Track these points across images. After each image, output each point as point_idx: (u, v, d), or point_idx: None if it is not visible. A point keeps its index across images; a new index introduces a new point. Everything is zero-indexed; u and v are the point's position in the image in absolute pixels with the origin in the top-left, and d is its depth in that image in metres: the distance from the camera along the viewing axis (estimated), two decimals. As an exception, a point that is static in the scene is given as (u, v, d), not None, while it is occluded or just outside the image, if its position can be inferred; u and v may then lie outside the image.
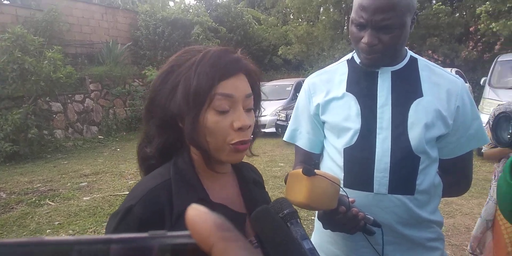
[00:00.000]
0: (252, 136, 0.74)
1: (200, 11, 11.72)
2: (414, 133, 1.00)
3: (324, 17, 13.08)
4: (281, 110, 8.29)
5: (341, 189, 0.90)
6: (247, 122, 0.69)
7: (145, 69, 9.97)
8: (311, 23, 13.93)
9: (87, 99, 8.87)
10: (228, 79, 0.68)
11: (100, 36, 10.32)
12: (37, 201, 4.21)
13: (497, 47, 12.54)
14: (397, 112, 1.02)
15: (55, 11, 8.56)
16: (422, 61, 1.09)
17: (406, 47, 1.08)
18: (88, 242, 0.20)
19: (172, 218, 0.66)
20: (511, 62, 6.83)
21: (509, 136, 0.91)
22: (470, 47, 13.12)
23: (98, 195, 4.39)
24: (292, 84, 9.84)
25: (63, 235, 3.32)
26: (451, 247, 2.93)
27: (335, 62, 1.20)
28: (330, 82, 1.13)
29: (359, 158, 1.04)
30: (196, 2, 14.46)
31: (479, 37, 12.83)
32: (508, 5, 9.11)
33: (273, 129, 8.27)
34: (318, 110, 1.12)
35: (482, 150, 2.03)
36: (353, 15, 0.99)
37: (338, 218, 0.90)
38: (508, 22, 8.90)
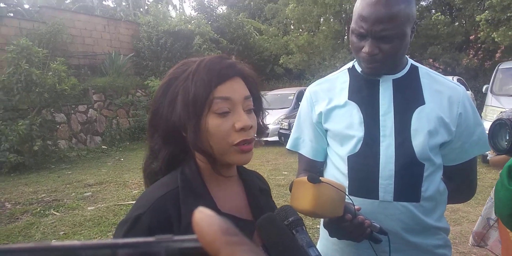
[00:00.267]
0: (255, 135, 0.75)
1: (201, 22, 11.86)
2: (418, 141, 1.01)
3: (324, 27, 13.18)
4: (284, 118, 8.32)
5: (346, 196, 0.90)
6: (248, 122, 0.70)
7: (147, 79, 10.05)
8: (312, 33, 14.04)
9: (90, 110, 8.93)
10: (224, 83, 0.70)
11: (103, 47, 10.44)
12: (42, 211, 4.21)
13: (497, 55, 12.58)
14: (399, 120, 1.03)
15: (60, 24, 8.69)
16: (423, 69, 1.10)
17: (406, 56, 1.10)
18: (95, 247, 0.20)
19: (180, 227, 0.67)
20: (512, 69, 6.85)
21: (506, 143, 0.91)
22: (471, 55, 13.17)
23: (102, 205, 4.39)
24: (294, 93, 9.88)
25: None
26: (459, 255, 2.90)
27: (336, 71, 1.22)
28: (331, 90, 1.14)
29: (363, 165, 1.04)
30: (197, 13, 14.64)
31: (479, 45, 12.89)
32: (508, 14, 9.16)
33: (276, 138, 8.28)
34: (320, 118, 1.13)
35: (488, 158, 2.03)
36: (353, 25, 1.00)
37: (344, 226, 0.90)
38: (509, 32, 8.92)
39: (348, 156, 1.06)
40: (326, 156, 1.18)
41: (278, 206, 0.80)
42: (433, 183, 1.03)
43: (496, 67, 7.25)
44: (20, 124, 6.28)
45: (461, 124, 1.04)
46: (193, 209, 0.71)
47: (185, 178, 0.72)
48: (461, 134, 1.05)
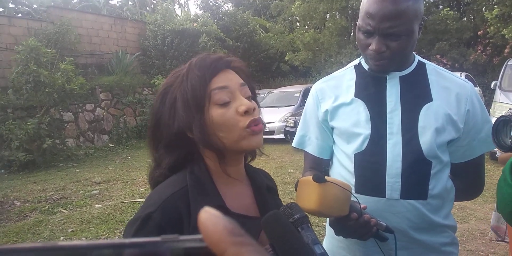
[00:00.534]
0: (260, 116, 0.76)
1: (208, 21, 11.87)
2: (425, 138, 1.00)
3: (330, 24, 13.10)
4: (290, 116, 8.30)
5: (352, 195, 0.90)
6: (250, 104, 0.71)
7: (154, 78, 10.10)
8: (318, 30, 13.97)
9: (97, 108, 9.00)
10: (218, 75, 0.72)
11: (110, 47, 10.50)
12: (50, 209, 4.27)
13: (506, 50, 12.40)
14: (407, 117, 1.02)
15: (68, 25, 8.76)
16: (430, 66, 1.09)
17: (414, 52, 1.08)
18: (101, 247, 0.20)
19: (190, 226, 0.67)
20: (521, 65, 6.75)
21: (510, 140, 0.90)
22: (479, 51, 13.00)
23: (110, 203, 4.43)
24: (300, 91, 9.85)
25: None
26: (466, 253, 2.88)
27: (342, 68, 1.21)
28: (338, 87, 1.13)
29: (370, 163, 1.04)
30: (203, 12, 14.64)
31: (487, 40, 12.71)
32: None
33: (282, 136, 8.28)
34: (326, 116, 1.12)
35: (497, 155, 2.01)
36: (360, 22, 0.99)
37: (350, 225, 0.90)
38: None
39: (354, 154, 1.06)
40: (332, 154, 1.18)
41: (283, 204, 0.80)
42: (440, 181, 1.02)
43: (505, 63, 7.14)
44: (29, 123, 6.35)
45: (469, 121, 1.03)
46: (202, 208, 0.70)
47: (194, 176, 0.73)
48: (469, 131, 1.04)
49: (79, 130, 8.41)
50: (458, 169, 1.09)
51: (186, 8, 17.95)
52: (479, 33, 12.71)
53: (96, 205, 4.36)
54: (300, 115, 1.28)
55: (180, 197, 0.70)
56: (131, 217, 0.70)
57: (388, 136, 1.02)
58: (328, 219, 1.06)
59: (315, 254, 0.70)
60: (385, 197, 1.02)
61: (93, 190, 5.00)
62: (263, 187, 0.83)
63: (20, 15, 11.05)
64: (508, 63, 7.03)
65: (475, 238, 3.14)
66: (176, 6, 18.33)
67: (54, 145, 6.90)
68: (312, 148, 1.19)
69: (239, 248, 0.19)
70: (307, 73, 15.48)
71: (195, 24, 11.48)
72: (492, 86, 7.16)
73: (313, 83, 1.26)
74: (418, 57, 1.10)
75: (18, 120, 6.58)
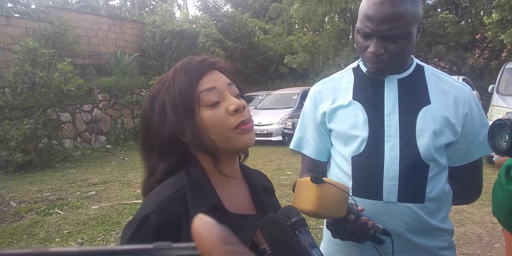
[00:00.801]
0: (250, 115, 0.76)
1: (207, 23, 11.88)
2: (423, 141, 1.00)
3: (328, 26, 13.14)
4: (288, 118, 8.31)
5: (350, 197, 0.89)
6: (239, 103, 0.72)
7: (152, 79, 10.10)
8: (316, 32, 14.00)
9: (95, 109, 8.98)
10: (204, 77, 0.72)
11: (108, 47, 10.50)
12: (46, 210, 4.24)
13: (504, 54, 12.46)
14: (404, 120, 1.02)
15: (66, 25, 8.74)
16: (428, 69, 1.09)
17: (412, 55, 1.09)
18: (92, 254, 0.19)
19: (188, 226, 0.66)
20: (519, 69, 6.78)
21: (506, 143, 0.90)
22: (477, 55, 13.06)
23: (106, 204, 4.41)
24: (298, 93, 9.87)
25: (72, 243, 3.33)
26: (463, 257, 2.88)
27: (340, 70, 1.21)
28: (336, 90, 1.13)
29: (367, 166, 1.03)
30: (201, 13, 14.65)
31: (485, 44, 12.77)
32: None
33: (279, 138, 8.28)
34: (324, 118, 1.12)
35: (494, 159, 2.01)
36: (358, 24, 0.99)
37: (347, 227, 0.89)
38: None
39: (352, 157, 1.06)
40: (329, 156, 1.18)
41: (281, 206, 0.79)
42: (438, 184, 1.02)
43: (503, 67, 7.18)
44: (25, 123, 6.33)
45: (467, 124, 1.03)
46: (200, 208, 0.71)
47: (191, 178, 0.73)
48: (466, 135, 1.04)
49: (76, 131, 8.39)
50: (456, 172, 1.09)
51: (185, 10, 17.96)
52: (477, 36, 12.76)
53: (93, 206, 4.34)
54: (298, 117, 1.27)
55: (177, 198, 0.69)
56: (128, 219, 0.69)
57: (385, 138, 1.02)
58: (325, 221, 1.06)
59: (312, 258, 0.69)
60: (382, 200, 1.01)
61: (89, 191, 4.98)
62: (259, 186, 0.84)
63: (18, 15, 11.02)
64: (505, 67, 7.07)
65: (471, 242, 3.14)
66: (175, 7, 18.35)
67: (51, 145, 6.88)
68: (309, 150, 1.19)
69: None
70: (305, 75, 15.52)
71: (194, 26, 11.49)
72: (489, 89, 7.19)
73: (311, 86, 1.25)
74: (416, 60, 1.10)
75: (15, 121, 6.56)
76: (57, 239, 3.41)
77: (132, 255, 0.20)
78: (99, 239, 3.40)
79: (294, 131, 1.26)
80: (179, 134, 0.72)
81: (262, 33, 16.41)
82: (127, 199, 4.55)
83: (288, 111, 9.10)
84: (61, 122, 7.92)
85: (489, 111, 6.19)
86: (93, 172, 6.22)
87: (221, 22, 14.37)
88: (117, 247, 0.20)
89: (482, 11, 11.25)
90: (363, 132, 1.04)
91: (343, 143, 1.09)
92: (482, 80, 11.86)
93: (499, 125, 0.94)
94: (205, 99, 0.70)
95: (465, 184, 1.12)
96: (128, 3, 17.14)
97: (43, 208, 4.31)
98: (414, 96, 1.04)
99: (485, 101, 8.73)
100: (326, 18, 13.62)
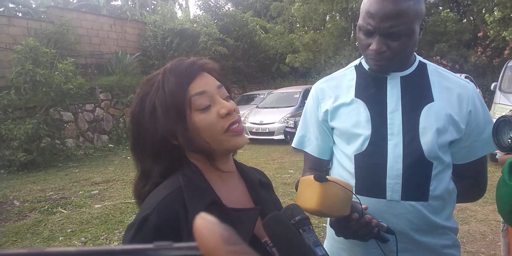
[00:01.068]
0: (239, 115, 0.77)
1: (209, 23, 11.87)
2: (426, 139, 0.99)
3: (330, 25, 13.11)
4: (290, 117, 8.30)
5: (353, 196, 0.89)
6: (230, 106, 0.73)
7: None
8: (318, 31, 13.97)
9: (97, 109, 8.99)
10: (194, 80, 0.73)
11: (109, 47, 10.50)
12: (49, 209, 4.26)
13: (506, 52, 12.41)
14: (407, 118, 1.02)
15: (68, 25, 8.75)
16: (431, 66, 1.09)
17: (414, 53, 1.08)
18: (91, 254, 0.19)
19: (188, 225, 0.67)
20: (521, 67, 6.76)
21: (509, 140, 0.90)
22: (479, 53, 13.00)
23: (109, 203, 4.42)
24: (300, 91, 9.85)
25: (76, 242, 3.34)
26: (467, 254, 2.87)
27: (342, 68, 1.20)
28: (338, 88, 1.12)
29: (370, 164, 1.03)
30: (203, 12, 14.63)
31: (487, 42, 12.72)
32: None
33: (281, 136, 8.28)
34: (326, 116, 1.12)
35: (497, 156, 2.00)
36: (360, 22, 0.99)
37: (351, 225, 0.89)
38: None
39: (355, 155, 1.05)
40: (332, 154, 1.17)
41: (284, 205, 0.79)
42: (442, 182, 1.02)
43: (505, 65, 7.15)
44: (27, 123, 6.35)
45: (470, 122, 1.03)
46: (198, 205, 0.71)
47: (187, 178, 0.73)
48: (470, 132, 1.03)
49: (78, 130, 8.40)
50: (461, 170, 1.08)
51: (187, 9, 17.94)
52: (479, 34, 12.71)
53: (96, 205, 4.36)
54: (300, 116, 1.27)
55: (175, 198, 0.70)
56: (131, 217, 0.70)
57: (388, 136, 1.02)
58: (328, 219, 1.06)
59: (316, 256, 0.69)
60: (385, 198, 1.01)
61: (92, 190, 4.99)
62: (255, 181, 0.84)
63: (20, 14, 11.05)
64: (508, 65, 7.04)
65: (475, 240, 3.13)
66: (176, 7, 18.34)
67: (53, 145, 6.89)
68: (312, 148, 1.18)
69: None
70: (307, 74, 15.49)
71: (195, 25, 11.48)
72: (492, 87, 7.17)
73: (313, 84, 1.25)
74: (419, 58, 1.09)
75: (18, 120, 6.58)
76: (60, 238, 3.43)
77: (131, 255, 0.20)
78: (102, 237, 3.41)
79: (296, 130, 1.26)
80: (171, 137, 0.73)
81: (263, 32, 16.39)
82: (130, 198, 4.55)
83: (290, 109, 9.09)
84: (63, 121, 7.93)
85: (492, 109, 6.17)
86: (96, 171, 6.23)
87: (222, 21, 14.35)
88: (116, 247, 0.19)
89: (483, 9, 11.20)
90: (365, 130, 1.04)
91: (346, 141, 1.09)
92: (484, 78, 11.82)
93: (504, 122, 0.93)
94: (197, 103, 0.71)
95: (470, 182, 1.11)
96: (129, 3, 17.14)
97: (46, 207, 4.33)
98: (417, 93, 1.04)
99: (488, 99, 8.70)
100: (327, 17, 13.59)
